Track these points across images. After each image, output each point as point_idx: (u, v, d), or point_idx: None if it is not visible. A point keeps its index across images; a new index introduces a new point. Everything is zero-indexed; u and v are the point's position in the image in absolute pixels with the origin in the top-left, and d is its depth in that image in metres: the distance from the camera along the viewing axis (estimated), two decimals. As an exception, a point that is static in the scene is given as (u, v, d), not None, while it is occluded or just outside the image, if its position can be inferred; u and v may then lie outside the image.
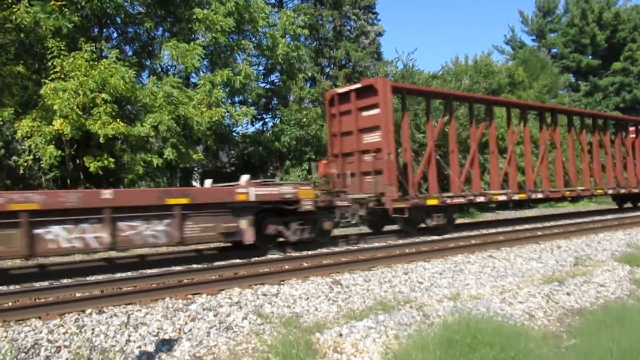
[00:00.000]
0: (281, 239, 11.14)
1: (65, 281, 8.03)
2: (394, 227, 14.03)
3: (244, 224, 10.06)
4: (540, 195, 17.31)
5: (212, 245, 11.08)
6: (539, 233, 13.01)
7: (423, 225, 13.85)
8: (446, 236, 12.80)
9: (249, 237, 10.13)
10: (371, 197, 12.53)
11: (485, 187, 18.17)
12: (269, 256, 10.20)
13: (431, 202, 13.44)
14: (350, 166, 13.53)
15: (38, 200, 8.08)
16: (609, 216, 18.57)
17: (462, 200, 14.52)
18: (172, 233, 9.26)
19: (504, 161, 17.67)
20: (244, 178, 10.64)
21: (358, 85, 13.67)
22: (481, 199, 15.13)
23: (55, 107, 12.59)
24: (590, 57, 43.22)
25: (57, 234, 8.25)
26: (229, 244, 10.93)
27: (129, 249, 9.94)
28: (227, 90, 16.78)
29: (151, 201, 9.11)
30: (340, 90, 14.33)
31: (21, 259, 8.71)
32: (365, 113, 13.34)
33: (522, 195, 16.64)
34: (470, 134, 16.51)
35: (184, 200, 9.38)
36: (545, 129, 18.61)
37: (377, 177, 12.86)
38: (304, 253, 10.34)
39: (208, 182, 11.72)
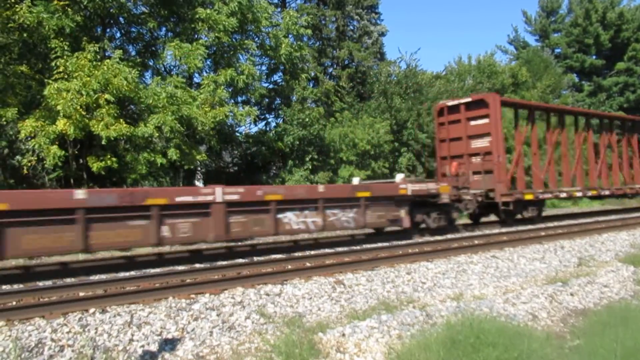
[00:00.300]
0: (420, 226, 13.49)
1: (68, 280, 8.05)
2: (481, 219, 16.73)
3: (403, 213, 12.57)
4: (607, 192, 19.21)
5: (353, 231, 13.45)
6: (542, 233, 12.98)
7: (519, 216, 16.14)
8: (449, 236, 12.84)
9: (407, 223, 12.65)
10: (482, 192, 14.98)
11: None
12: (272, 255, 10.21)
13: (528, 196, 15.85)
14: (459, 167, 15.76)
15: (281, 192, 10.73)
16: (613, 217, 18.53)
17: (549, 195, 17.19)
18: (358, 219, 11.81)
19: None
20: (400, 176, 13.53)
21: (468, 99, 16.19)
22: (563, 195, 17.63)
23: (59, 107, 12.60)
24: (594, 57, 43.04)
25: (290, 218, 10.78)
26: (373, 231, 13.62)
27: (334, 231, 12.72)
28: (230, 90, 16.78)
29: (347, 194, 11.68)
30: (450, 103, 16.70)
31: (268, 237, 11.55)
32: (473, 122, 15.84)
33: (594, 192, 18.67)
34: (547, 139, 18.56)
35: (367, 194, 11.91)
36: (604, 134, 20.37)
37: (486, 175, 15.38)
38: (307, 253, 10.35)
39: (356, 180, 14.27)
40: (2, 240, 7.77)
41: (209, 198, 9.64)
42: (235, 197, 9.97)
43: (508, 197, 15.14)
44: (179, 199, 9.31)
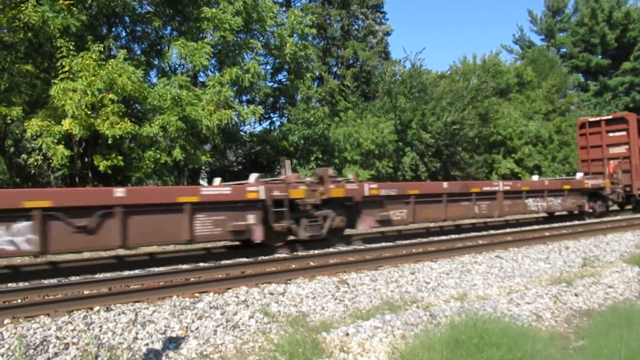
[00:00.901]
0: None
1: (73, 278, 8.08)
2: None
3: (585, 200, 16.74)
4: None
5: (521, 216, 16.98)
6: (547, 234, 12.94)
7: None
8: (452, 236, 12.83)
9: (587, 208, 16.88)
10: (622, 187, 18.74)
11: None
12: (276, 255, 10.20)
13: None
14: (597, 168, 19.79)
15: (528, 184, 15.53)
16: (618, 217, 18.44)
17: None
18: (562, 204, 16.16)
19: None
20: (579, 175, 17.60)
21: (609, 117, 20.88)
22: None
23: (67, 107, 12.65)
24: (599, 56, 42.87)
25: (530, 203, 15.24)
26: (542, 217, 17.55)
27: (550, 212, 16.68)
28: (235, 89, 16.80)
29: (558, 187, 16.08)
30: (592, 119, 21.44)
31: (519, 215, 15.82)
32: (612, 134, 20.01)
33: None
34: None
35: (568, 186, 16.21)
36: None
37: (624, 174, 19.07)
38: (311, 252, 10.34)
39: (535, 177, 18.63)
40: (415, 212, 12.59)
41: (496, 188, 14.36)
42: (507, 188, 14.58)
43: None
44: (484, 188, 14.08)
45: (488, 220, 15.44)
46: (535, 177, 18.24)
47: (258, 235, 9.96)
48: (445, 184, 13.60)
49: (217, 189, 9.88)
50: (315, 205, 10.81)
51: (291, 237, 11.03)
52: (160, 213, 8.97)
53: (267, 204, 10.11)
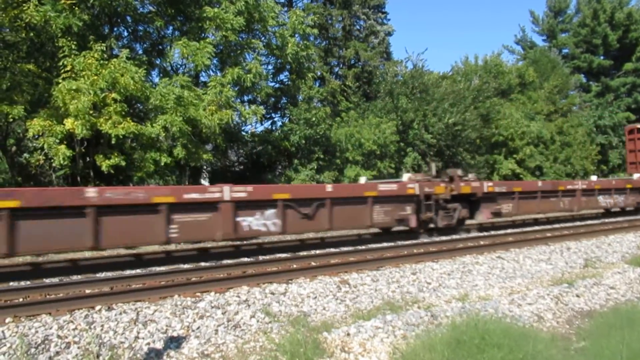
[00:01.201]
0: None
1: (75, 278, 8.09)
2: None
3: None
4: None
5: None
6: (549, 234, 12.93)
7: None
8: (454, 237, 12.83)
9: None
10: None
11: None
12: (277, 255, 10.21)
13: None
14: None
15: (599, 183, 17.81)
16: (620, 218, 18.43)
17: None
18: (625, 201, 18.48)
19: None
20: (637, 175, 19.63)
21: None
22: None
23: (72, 108, 12.65)
24: (601, 57, 42.72)
25: (600, 199, 17.71)
26: (603, 211, 19.47)
27: (615, 208, 18.92)
28: (236, 89, 16.79)
29: (622, 185, 18.50)
30: None
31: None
32: None
33: None
34: None
35: (630, 185, 18.65)
36: None
37: None
38: (312, 252, 10.35)
39: (594, 177, 20.38)
40: (518, 206, 14.93)
41: (576, 186, 16.80)
42: (584, 186, 17.00)
43: None
44: (567, 187, 16.56)
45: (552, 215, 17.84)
46: (593, 177, 19.92)
47: (413, 223, 12.40)
48: (539, 183, 16.38)
49: (388, 185, 12.37)
50: (446, 200, 13.21)
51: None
52: (351, 204, 11.46)
53: (420, 198, 12.61)
